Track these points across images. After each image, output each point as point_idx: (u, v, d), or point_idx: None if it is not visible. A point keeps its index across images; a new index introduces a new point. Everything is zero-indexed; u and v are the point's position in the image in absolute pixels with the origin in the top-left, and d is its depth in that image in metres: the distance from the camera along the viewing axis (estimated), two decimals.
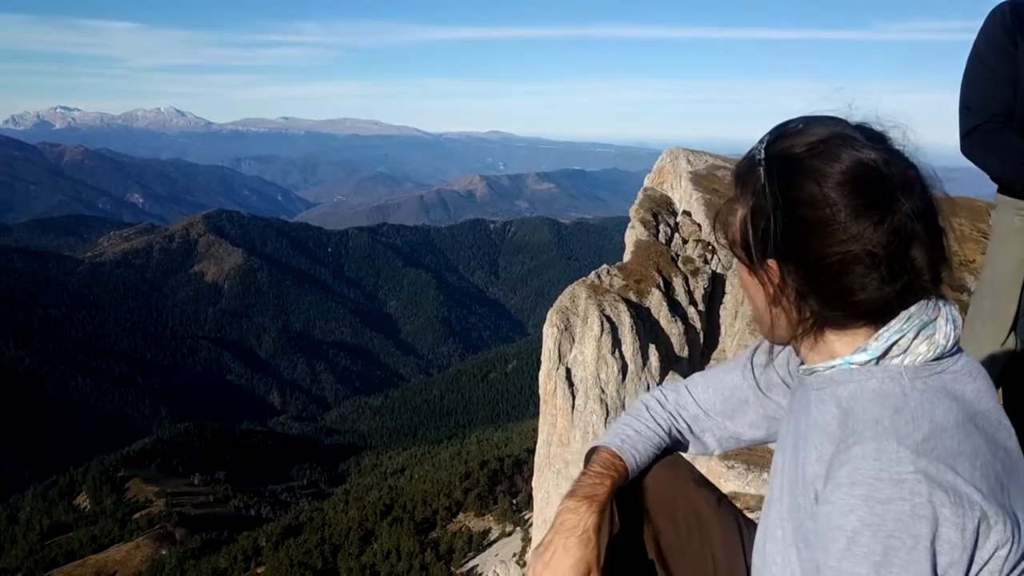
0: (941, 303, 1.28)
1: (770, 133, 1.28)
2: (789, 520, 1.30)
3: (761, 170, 1.24)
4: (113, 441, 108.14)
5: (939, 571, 1.09)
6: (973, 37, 2.64)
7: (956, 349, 1.30)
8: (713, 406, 1.72)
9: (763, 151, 1.25)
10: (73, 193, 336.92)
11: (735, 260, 1.35)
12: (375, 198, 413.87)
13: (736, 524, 1.73)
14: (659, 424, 1.72)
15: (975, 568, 1.12)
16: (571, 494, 1.57)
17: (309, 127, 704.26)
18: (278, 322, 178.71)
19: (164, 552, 66.57)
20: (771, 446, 1.58)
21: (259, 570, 58.10)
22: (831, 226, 1.17)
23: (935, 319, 1.26)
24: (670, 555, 1.74)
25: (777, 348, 1.61)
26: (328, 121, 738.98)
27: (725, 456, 14.01)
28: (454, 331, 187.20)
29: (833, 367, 1.29)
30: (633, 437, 1.70)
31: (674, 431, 1.73)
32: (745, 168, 1.28)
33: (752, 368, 1.67)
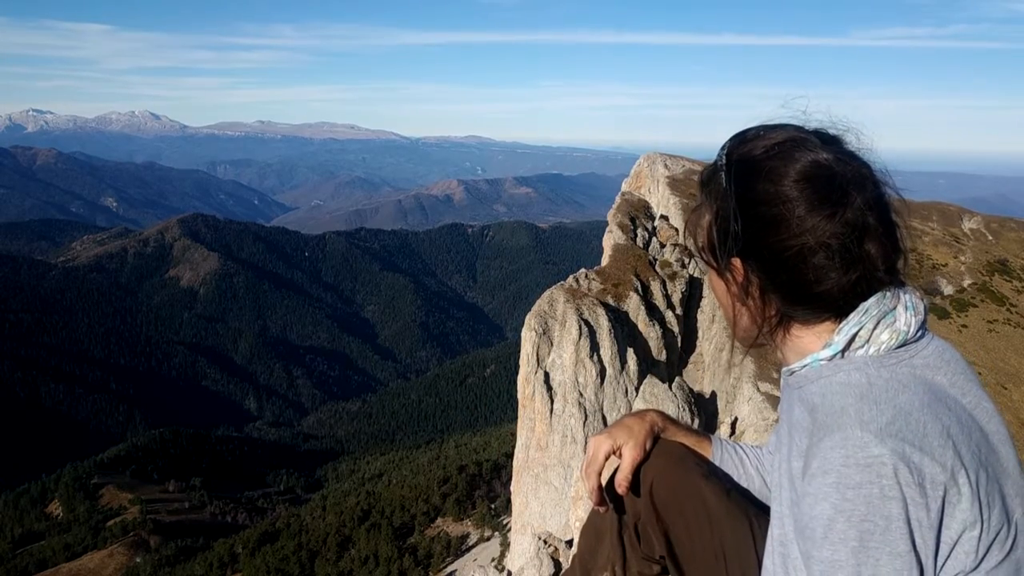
0: (901, 291, 1.34)
1: (730, 140, 1.38)
2: (789, 517, 1.36)
3: (723, 174, 1.34)
4: (86, 448, 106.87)
5: (916, 549, 1.14)
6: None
7: (922, 335, 1.35)
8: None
9: (724, 156, 1.36)
10: (46, 197, 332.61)
11: (705, 265, 1.44)
12: (353, 202, 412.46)
13: (746, 516, 1.77)
14: (748, 457, 1.90)
15: (945, 548, 1.18)
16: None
17: (286, 131, 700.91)
18: (254, 327, 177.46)
19: (138, 559, 65.85)
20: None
21: None
22: (787, 221, 1.26)
23: (894, 308, 1.32)
24: (680, 549, 1.80)
25: None
26: (305, 125, 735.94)
27: None
28: (432, 335, 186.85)
29: (806, 366, 1.36)
30: (734, 446, 1.91)
31: (756, 469, 1.89)
32: (708, 175, 1.39)
33: None
